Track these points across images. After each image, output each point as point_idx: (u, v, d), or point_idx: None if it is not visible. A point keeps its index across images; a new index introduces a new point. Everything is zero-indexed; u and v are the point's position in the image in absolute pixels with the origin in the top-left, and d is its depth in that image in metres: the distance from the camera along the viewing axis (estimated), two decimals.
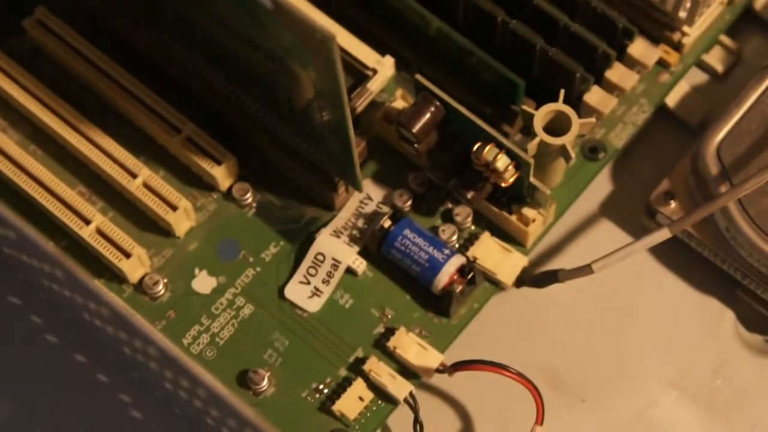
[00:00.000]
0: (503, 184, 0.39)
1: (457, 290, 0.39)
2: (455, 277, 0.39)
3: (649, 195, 0.41)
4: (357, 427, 0.38)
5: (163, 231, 0.41)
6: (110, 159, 0.41)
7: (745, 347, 0.41)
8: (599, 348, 0.41)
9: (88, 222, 0.40)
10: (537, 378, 0.39)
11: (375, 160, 0.42)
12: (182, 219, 0.41)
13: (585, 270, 0.39)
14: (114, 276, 0.41)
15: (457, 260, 0.40)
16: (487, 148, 0.38)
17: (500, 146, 0.38)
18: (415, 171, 0.42)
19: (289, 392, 0.39)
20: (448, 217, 0.41)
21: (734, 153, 0.40)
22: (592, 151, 0.42)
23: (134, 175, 0.41)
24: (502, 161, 0.38)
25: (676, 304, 0.41)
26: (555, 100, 0.39)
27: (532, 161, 0.38)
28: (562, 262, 0.42)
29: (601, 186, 0.43)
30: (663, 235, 0.38)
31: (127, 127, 0.42)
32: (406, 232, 0.40)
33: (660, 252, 0.41)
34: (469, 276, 0.39)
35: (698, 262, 0.41)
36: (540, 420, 0.37)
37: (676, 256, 0.42)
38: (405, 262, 0.40)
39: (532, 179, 0.39)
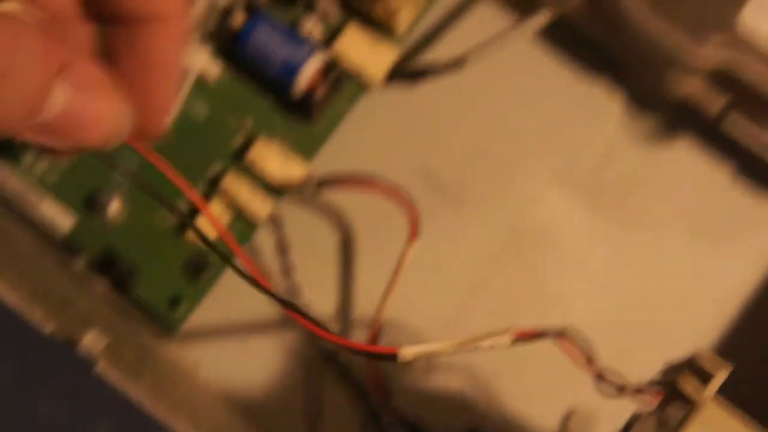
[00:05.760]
0: None
1: (319, 93, 0.35)
2: (317, 78, 0.36)
3: None
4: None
5: None
6: None
7: (634, 132, 0.38)
8: (479, 147, 0.38)
9: None
10: (414, 184, 0.37)
11: None
12: None
13: (459, 62, 0.35)
14: None
15: (318, 59, 0.36)
16: None
17: None
18: None
19: (141, 217, 0.36)
20: (310, 6, 0.37)
21: None
22: None
23: None
24: None
25: (560, 91, 0.38)
26: None
27: None
28: (438, 51, 0.38)
29: None
30: (544, 17, 0.34)
31: None
32: (260, 28, 0.36)
33: (542, 35, 0.38)
34: (333, 76, 0.36)
35: (585, 43, 0.38)
36: (414, 235, 0.34)
37: (559, 37, 0.38)
38: (261, 64, 0.36)
39: None
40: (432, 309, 0.36)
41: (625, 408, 0.29)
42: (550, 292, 0.37)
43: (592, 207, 0.37)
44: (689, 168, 0.38)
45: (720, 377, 0.24)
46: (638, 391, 0.28)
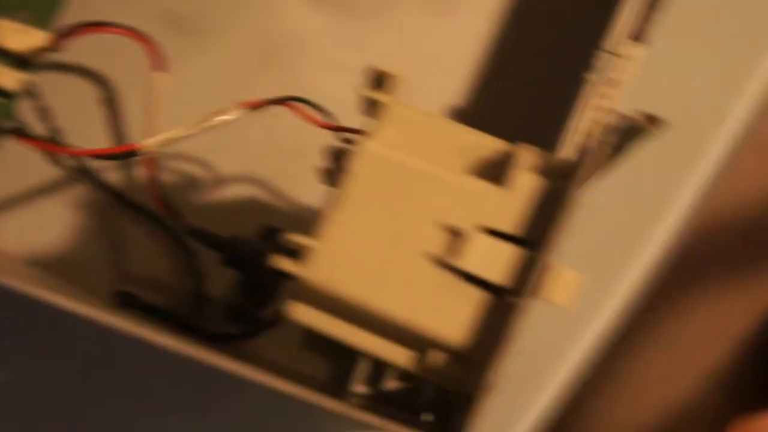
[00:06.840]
0: None
1: None
2: None
3: None
4: None
5: None
6: None
7: None
8: None
9: None
10: (159, 29, 0.38)
11: None
12: None
13: None
14: None
15: None
16: None
17: None
18: None
19: None
20: None
21: None
22: None
23: None
24: None
25: None
26: None
27: None
28: None
29: None
30: None
31: None
32: None
33: None
34: None
35: None
36: (159, 65, 0.36)
37: None
38: None
39: None
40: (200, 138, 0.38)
41: None
42: (310, 91, 0.39)
43: (325, 3, 0.39)
44: None
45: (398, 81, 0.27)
46: None
